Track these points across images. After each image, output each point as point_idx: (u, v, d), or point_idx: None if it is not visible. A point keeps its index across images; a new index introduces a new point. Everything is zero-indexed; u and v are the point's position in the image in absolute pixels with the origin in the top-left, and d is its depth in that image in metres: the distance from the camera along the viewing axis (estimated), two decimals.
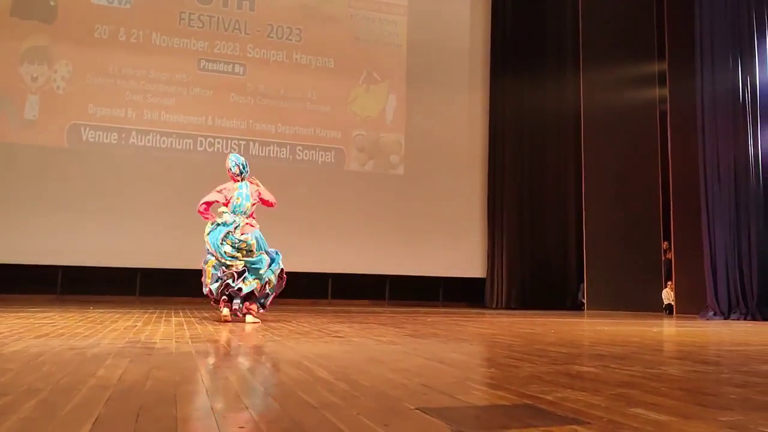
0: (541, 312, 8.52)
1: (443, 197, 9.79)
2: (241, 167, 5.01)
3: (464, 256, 9.89)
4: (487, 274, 9.97)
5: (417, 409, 1.51)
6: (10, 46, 8.10)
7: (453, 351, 3.07)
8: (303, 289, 8.92)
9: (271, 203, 5.09)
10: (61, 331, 3.59)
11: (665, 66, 9.17)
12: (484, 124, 10.17)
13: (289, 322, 4.91)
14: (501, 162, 10.11)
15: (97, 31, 8.48)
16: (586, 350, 3.26)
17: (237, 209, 4.89)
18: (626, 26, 10.08)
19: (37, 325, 3.96)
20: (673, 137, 8.83)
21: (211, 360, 2.60)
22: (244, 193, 4.95)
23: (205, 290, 4.78)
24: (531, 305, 9.59)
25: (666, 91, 9.10)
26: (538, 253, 10.02)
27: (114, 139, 8.35)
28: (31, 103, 8.15)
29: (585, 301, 9.87)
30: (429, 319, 5.71)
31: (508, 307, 9.63)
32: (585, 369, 2.41)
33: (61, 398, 1.58)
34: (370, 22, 9.77)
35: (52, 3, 8.36)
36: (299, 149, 9.15)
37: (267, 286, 4.85)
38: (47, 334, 3.33)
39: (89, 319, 4.56)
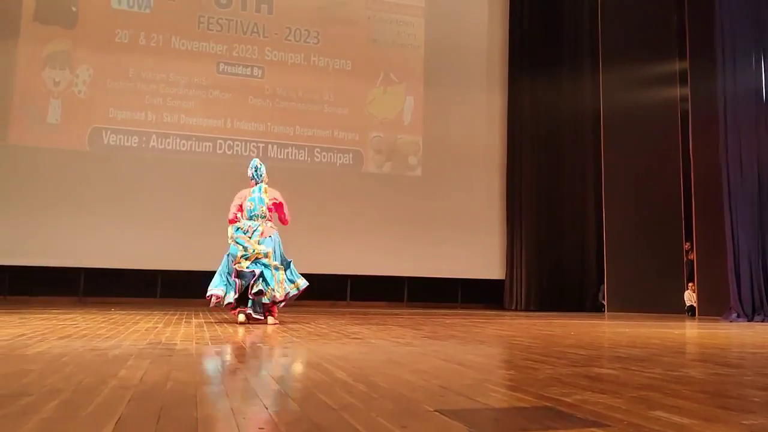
0: (561, 314, 8.46)
1: (461, 198, 9.76)
2: (253, 171, 5.06)
3: (483, 258, 9.85)
4: (505, 276, 9.92)
5: (435, 410, 1.51)
6: (32, 51, 8.22)
7: (471, 353, 3.06)
8: (321, 291, 8.91)
9: (285, 220, 5.10)
10: (84, 332, 3.63)
11: (686, 64, 9.06)
12: (502, 124, 10.13)
13: (308, 323, 4.93)
14: (519, 162, 10.05)
15: (118, 35, 8.58)
16: (606, 352, 3.23)
17: (252, 213, 4.93)
18: (646, 24, 9.97)
19: (59, 326, 4.01)
20: (695, 136, 8.72)
21: (231, 361, 2.62)
22: (256, 197, 4.98)
23: (218, 292, 4.79)
24: (550, 307, 9.53)
25: (687, 90, 8.98)
26: (558, 254, 9.95)
27: (134, 143, 8.44)
28: (53, 107, 8.27)
29: (605, 302, 9.78)
30: (447, 321, 5.70)
31: (527, 309, 9.57)
32: (605, 371, 2.38)
33: (83, 399, 1.60)
34: (388, 24, 9.77)
35: (73, 8, 8.48)
36: (317, 151, 9.18)
37: (287, 295, 4.86)
38: (70, 336, 3.38)
39: (111, 321, 4.61)
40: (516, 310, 9.57)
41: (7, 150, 7.95)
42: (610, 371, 2.38)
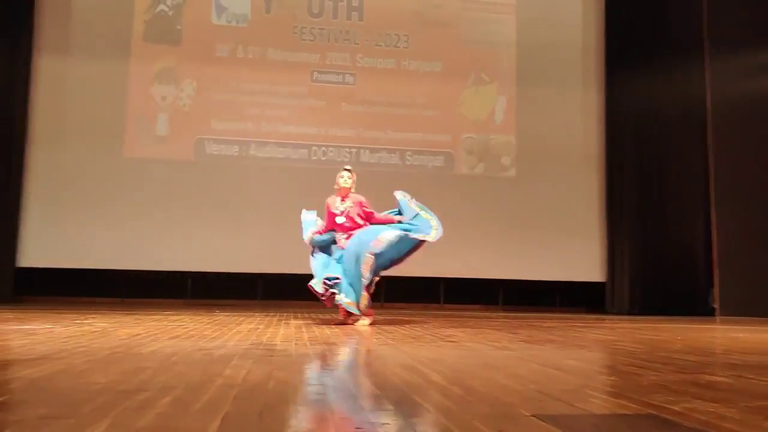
0: (667, 318, 8.05)
1: (558, 199, 9.49)
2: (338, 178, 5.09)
3: (582, 260, 9.53)
4: (606, 278, 9.55)
5: (532, 415, 1.48)
6: (142, 69, 8.79)
7: (570, 357, 2.98)
8: (414, 294, 8.98)
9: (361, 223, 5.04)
10: (191, 333, 3.84)
11: None
12: (600, 122, 9.77)
13: (402, 326, 4.97)
14: (619, 161, 9.66)
15: (218, 50, 9.01)
16: (719, 359, 3.05)
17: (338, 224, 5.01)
18: (760, 7, 9.28)
19: (170, 327, 4.26)
20: None
21: (329, 362, 2.69)
22: (338, 207, 5.02)
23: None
24: (655, 311, 9.07)
25: None
26: (663, 256, 9.47)
27: (235, 152, 8.83)
28: (161, 120, 8.80)
29: (717, 306, 9.21)
30: (545, 325, 5.56)
31: (630, 313, 9.17)
32: (717, 379, 2.25)
33: (192, 395, 1.70)
34: (478, 24, 9.68)
35: (178, 27, 8.98)
36: (408, 154, 9.23)
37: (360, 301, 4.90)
38: (179, 336, 3.58)
39: (216, 322, 4.84)
40: (618, 314, 9.19)
41: (122, 162, 8.53)
42: (722, 379, 2.24)
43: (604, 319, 7.37)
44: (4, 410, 1.53)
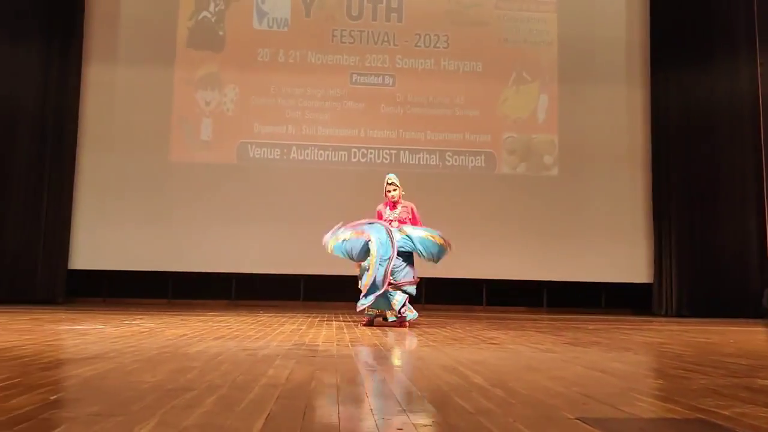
0: (718, 320, 7.82)
1: (602, 198, 9.31)
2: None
3: (627, 260, 9.32)
4: (653, 279, 9.31)
5: (576, 418, 1.46)
6: (187, 75, 8.98)
7: (616, 360, 2.93)
8: (456, 296, 8.93)
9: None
10: (236, 333, 3.91)
11: None
12: (645, 119, 9.55)
13: (444, 328, 4.95)
14: (666, 159, 9.41)
15: (260, 54, 9.14)
16: None
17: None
18: None
19: (215, 327, 4.34)
20: None
21: (370, 363, 2.70)
22: (389, 216, 5.12)
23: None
24: (705, 312, 8.81)
25: None
26: (713, 256, 9.18)
27: (277, 155, 8.94)
28: (205, 125, 8.98)
29: None
30: (590, 327, 5.47)
31: (678, 315, 8.92)
32: None
33: (237, 395, 1.73)
34: (519, 22, 9.58)
35: (220, 33, 9.15)
36: (449, 155, 9.19)
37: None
38: (224, 336, 3.65)
39: (259, 323, 4.92)
40: (666, 315, 8.96)
41: (168, 167, 8.74)
42: None
43: (651, 321, 7.20)
44: (58, 407, 1.59)
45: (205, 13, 9.05)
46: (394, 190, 5.16)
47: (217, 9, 9.07)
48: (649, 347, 3.69)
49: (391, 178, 5.22)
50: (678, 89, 9.44)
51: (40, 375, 2.06)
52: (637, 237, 9.35)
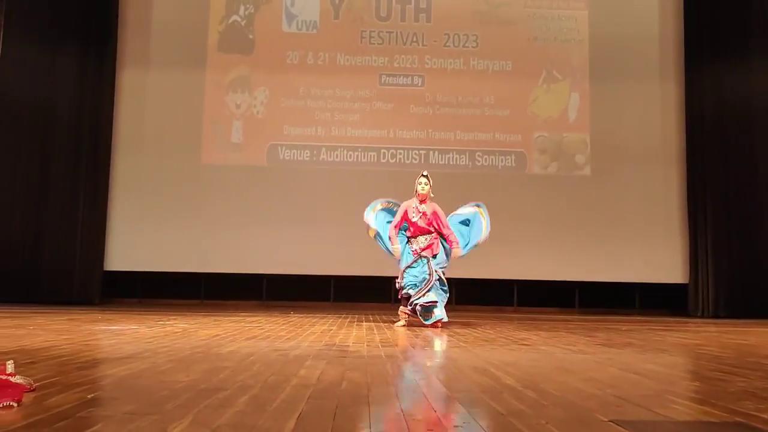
0: (756, 321, 7.62)
1: (635, 197, 9.15)
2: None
3: (662, 260, 9.14)
4: (689, 279, 9.12)
5: (610, 421, 1.44)
6: (218, 78, 9.10)
7: (651, 362, 2.87)
8: (487, 296, 8.87)
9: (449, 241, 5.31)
10: (267, 334, 3.94)
11: None
12: (679, 117, 9.36)
13: (474, 328, 4.93)
14: (701, 157, 9.20)
15: (289, 57, 9.21)
16: None
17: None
18: None
19: (247, 328, 4.39)
20: None
21: (400, 364, 2.70)
22: (418, 209, 5.23)
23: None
24: (743, 313, 8.59)
25: None
26: (750, 255, 8.95)
27: (306, 157, 9.00)
28: (236, 128, 9.08)
29: None
30: (624, 328, 5.39)
31: (715, 316, 8.72)
32: None
33: (269, 395, 1.75)
34: (549, 21, 9.48)
35: (250, 36, 9.25)
36: (478, 155, 9.13)
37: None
38: (256, 337, 3.68)
39: (290, 324, 4.96)
40: (702, 316, 8.77)
41: (200, 169, 8.86)
42: None
43: (686, 322, 7.06)
44: (95, 406, 1.62)
45: (235, 17, 9.16)
46: (426, 184, 5.29)
47: (246, 12, 9.16)
48: (684, 349, 3.62)
49: (426, 173, 5.43)
50: (713, 85, 9.23)
51: (77, 374, 2.11)
52: (672, 236, 9.17)
